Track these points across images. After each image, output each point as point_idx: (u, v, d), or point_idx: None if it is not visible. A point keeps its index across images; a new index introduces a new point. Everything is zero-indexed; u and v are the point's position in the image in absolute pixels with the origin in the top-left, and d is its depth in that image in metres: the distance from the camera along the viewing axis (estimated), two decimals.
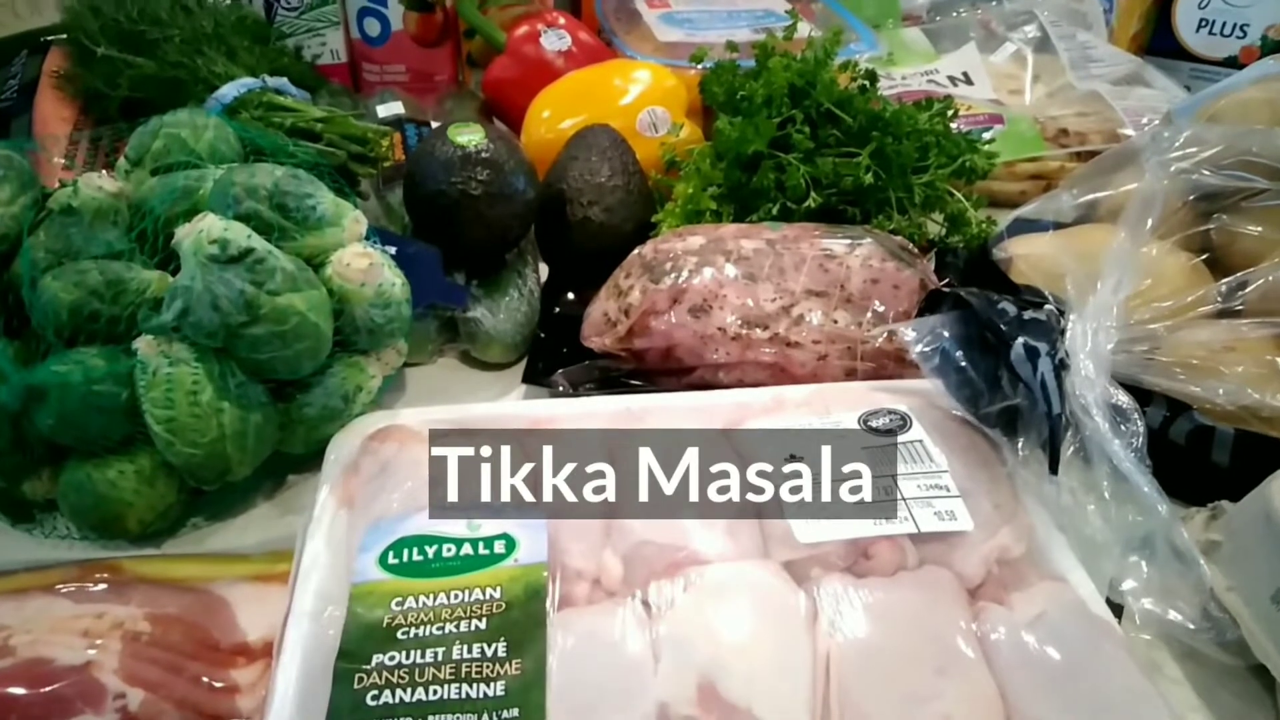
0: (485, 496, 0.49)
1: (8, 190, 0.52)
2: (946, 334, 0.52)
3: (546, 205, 0.71)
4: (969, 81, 1.00)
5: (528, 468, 0.51)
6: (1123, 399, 0.51)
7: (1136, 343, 0.55)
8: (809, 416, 0.54)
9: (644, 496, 0.49)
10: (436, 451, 0.52)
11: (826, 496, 0.48)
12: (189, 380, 0.49)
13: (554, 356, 0.66)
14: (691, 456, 0.52)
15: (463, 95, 0.96)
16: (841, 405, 0.55)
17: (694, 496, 0.49)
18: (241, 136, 0.63)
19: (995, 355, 0.51)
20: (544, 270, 0.75)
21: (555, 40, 0.90)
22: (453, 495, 0.49)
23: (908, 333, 0.52)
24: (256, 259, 0.49)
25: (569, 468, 0.51)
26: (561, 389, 0.62)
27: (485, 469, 0.51)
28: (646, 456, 0.52)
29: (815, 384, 0.59)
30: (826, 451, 0.51)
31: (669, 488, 0.50)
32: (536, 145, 0.82)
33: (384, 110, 0.87)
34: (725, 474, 0.50)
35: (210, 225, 0.50)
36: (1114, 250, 0.56)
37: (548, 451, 0.52)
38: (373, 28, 0.99)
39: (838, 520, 0.47)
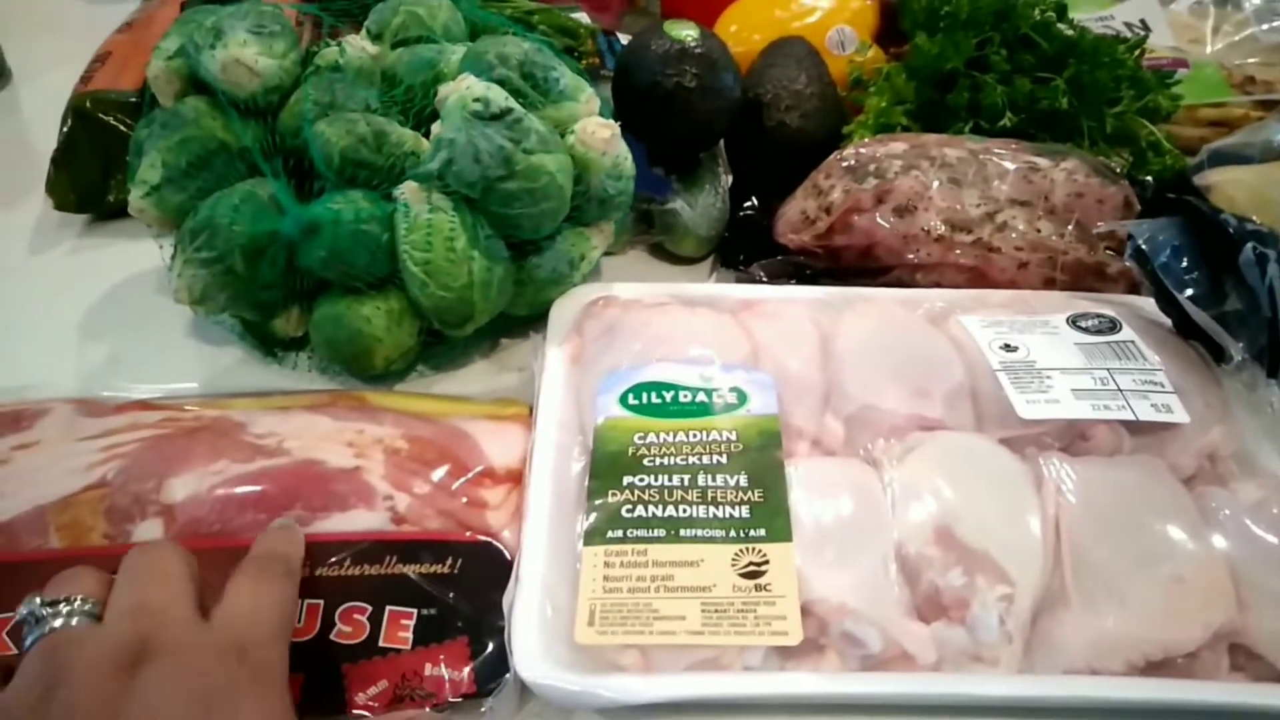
0: (713, 354, 0.52)
1: (281, 44, 0.56)
2: (1167, 236, 0.53)
3: (746, 107, 0.73)
4: (1146, 29, 0.99)
5: (746, 337, 0.54)
6: None
7: None
8: (1016, 314, 0.56)
9: (860, 370, 0.52)
10: (659, 316, 0.55)
11: (1044, 381, 0.50)
12: (447, 227, 0.52)
13: (744, 254, 0.69)
14: (905, 338, 0.54)
15: (640, 14, 0.99)
16: (1046, 308, 0.57)
17: (910, 373, 0.51)
18: (469, 18, 0.66)
19: (1215, 261, 0.52)
20: (729, 178, 0.77)
21: None
22: (680, 352, 0.52)
23: (1130, 232, 0.53)
24: (515, 118, 0.53)
25: (785, 341, 0.54)
26: (760, 279, 0.65)
27: (708, 333, 0.54)
28: (860, 334, 0.54)
29: (1017, 291, 0.60)
30: (1040, 342, 0.53)
31: (885, 364, 0.52)
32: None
33: (577, 18, 0.90)
34: (940, 356, 0.53)
35: (474, 84, 0.53)
36: None
37: (762, 326, 0.55)
38: None
39: (1058, 402, 0.49)
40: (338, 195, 0.53)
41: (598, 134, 0.56)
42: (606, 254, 0.71)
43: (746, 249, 0.69)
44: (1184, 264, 0.52)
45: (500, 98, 0.53)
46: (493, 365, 0.61)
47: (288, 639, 0.38)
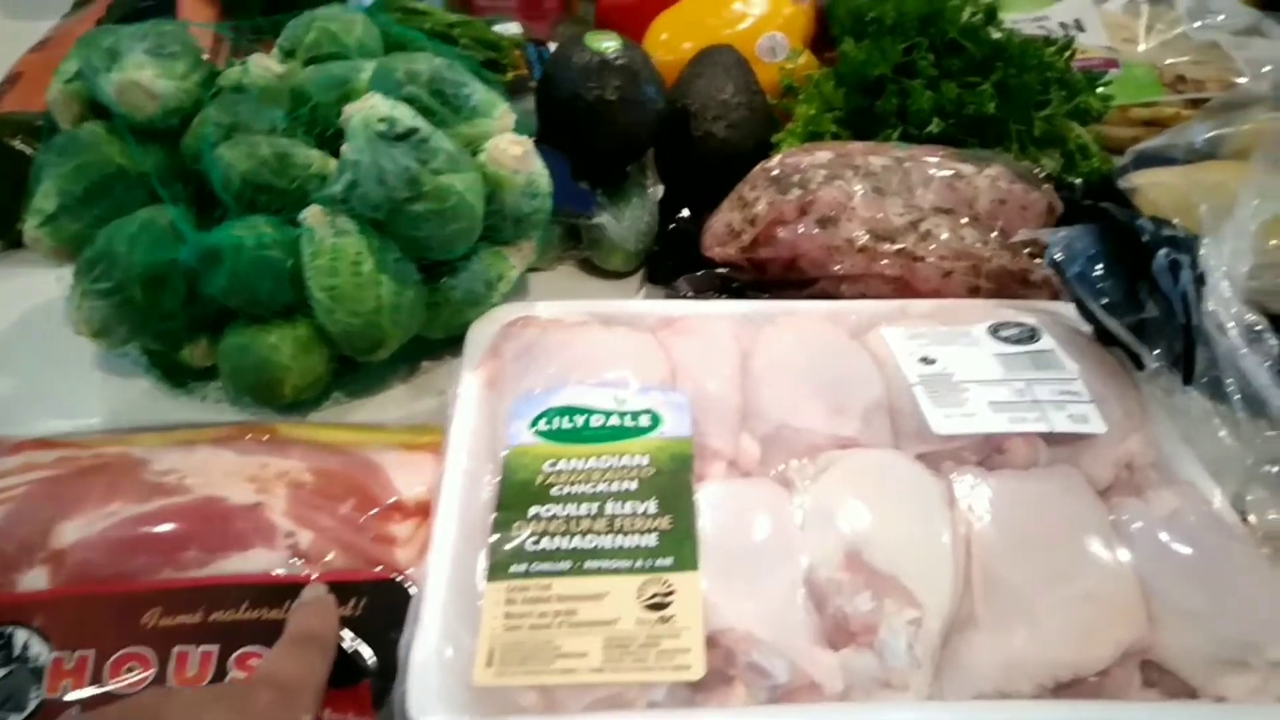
0: (629, 376, 0.51)
1: (181, 65, 0.55)
2: (1083, 244, 0.53)
3: (668, 121, 0.72)
4: (1080, 29, 0.99)
5: (664, 356, 0.53)
6: (1257, 319, 0.52)
7: (1270, 269, 0.55)
8: (937, 325, 0.56)
9: (778, 387, 0.51)
10: (576, 336, 0.54)
11: (960, 394, 0.50)
12: (353, 251, 0.51)
13: (672, 267, 0.68)
14: (824, 353, 0.53)
15: (574, 22, 0.97)
16: (968, 318, 0.56)
17: (827, 389, 0.51)
18: (386, 33, 0.65)
19: (1131, 268, 0.52)
20: (660, 188, 0.76)
21: None
22: (595, 374, 0.51)
23: (1048, 240, 0.53)
24: (421, 138, 0.51)
25: (703, 359, 0.53)
26: (685, 294, 0.64)
27: (625, 353, 0.53)
28: (779, 350, 0.54)
29: (940, 300, 0.60)
30: (960, 354, 0.52)
31: (803, 380, 0.51)
32: (665, 70, 0.83)
33: (501, 30, 0.89)
34: (858, 371, 0.52)
35: (379, 103, 0.52)
36: (1250, 178, 0.56)
37: (681, 343, 0.54)
38: None
39: (973, 416, 0.48)
40: (239, 221, 0.52)
41: (509, 151, 0.54)
42: (534, 270, 0.70)
43: (677, 261, 0.68)
44: (1099, 272, 0.52)
45: (406, 117, 0.52)
46: (412, 390, 0.59)
47: (319, 700, 0.38)
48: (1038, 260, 0.61)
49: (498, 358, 0.55)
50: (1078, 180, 0.75)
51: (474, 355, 0.55)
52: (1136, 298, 0.52)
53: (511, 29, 0.89)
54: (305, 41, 0.62)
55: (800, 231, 0.62)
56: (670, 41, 0.83)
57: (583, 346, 0.53)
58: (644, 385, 0.50)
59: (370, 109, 0.52)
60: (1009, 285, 0.61)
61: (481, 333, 0.57)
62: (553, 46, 0.86)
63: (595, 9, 0.96)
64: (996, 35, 0.74)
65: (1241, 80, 0.87)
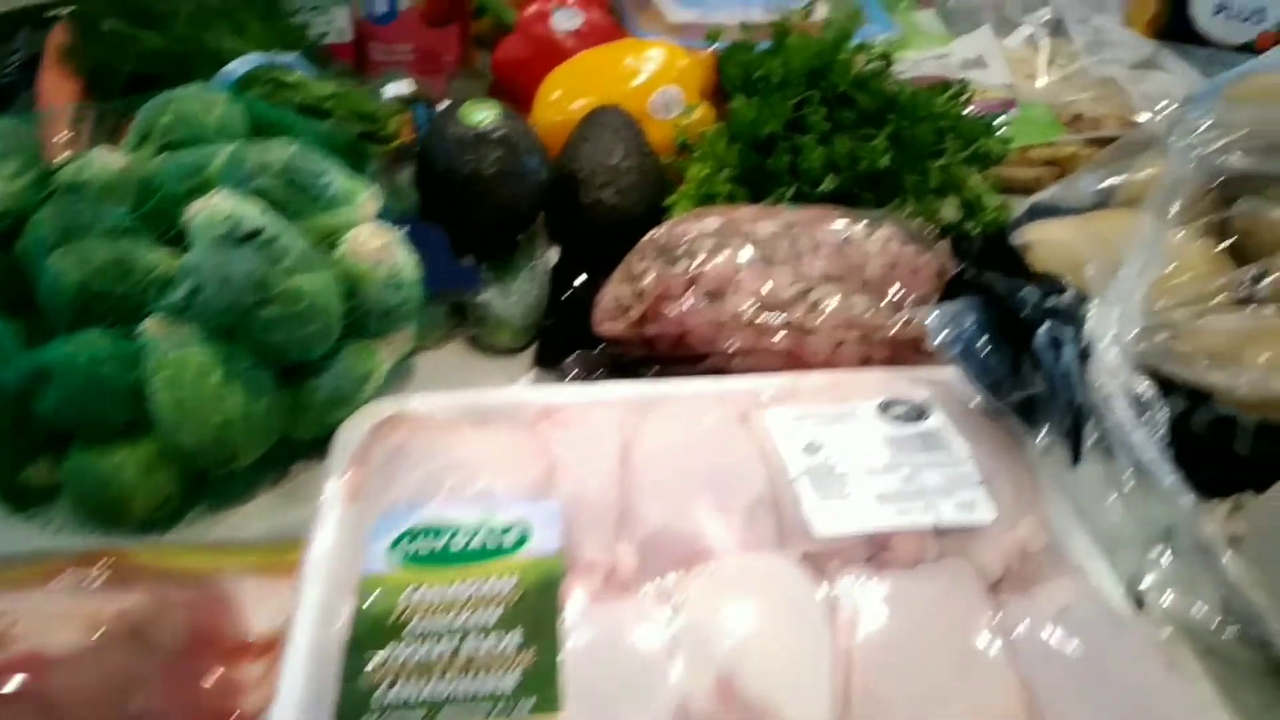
0: (498, 484, 0.48)
1: (11, 166, 0.51)
2: (967, 320, 0.51)
3: (557, 187, 0.70)
4: (983, 65, 0.99)
5: (541, 454, 0.50)
6: (1145, 389, 0.51)
7: (1158, 330, 0.55)
8: (825, 404, 0.54)
9: (659, 485, 0.49)
10: (448, 438, 0.51)
11: (845, 487, 0.48)
12: (197, 363, 0.48)
13: (564, 341, 0.65)
14: (707, 444, 0.51)
15: (470, 76, 0.95)
16: (858, 392, 0.54)
17: (710, 485, 0.48)
18: (251, 112, 0.62)
19: (1017, 342, 0.51)
20: (554, 254, 0.74)
21: (566, 19, 0.88)
22: (465, 483, 0.48)
23: (928, 319, 0.51)
24: (268, 238, 0.48)
25: (583, 454, 0.50)
26: (573, 375, 0.61)
27: (498, 455, 0.50)
28: (661, 442, 0.51)
29: (832, 371, 0.58)
30: (844, 440, 0.50)
31: (685, 476, 0.49)
32: (546, 127, 0.81)
33: (392, 90, 0.86)
34: (742, 463, 0.50)
35: (222, 202, 0.49)
36: (1137, 235, 0.55)
37: (560, 437, 0.51)
38: (380, 5, 0.97)
39: (857, 512, 0.46)
40: (72, 336, 0.48)
41: (368, 245, 0.52)
42: (420, 350, 0.67)
43: (570, 334, 0.65)
44: (984, 347, 0.50)
45: (253, 215, 0.49)
46: (281, 498, 0.56)
47: None
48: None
49: (364, 464, 0.52)
50: (976, 229, 0.75)
51: (340, 460, 0.52)
52: (1023, 372, 0.51)
53: (403, 88, 0.86)
54: (160, 125, 0.58)
55: (687, 307, 0.60)
56: (562, 100, 0.81)
57: (453, 450, 0.50)
58: (516, 493, 0.47)
59: (213, 208, 0.48)
60: (902, 353, 0.59)
61: (349, 434, 0.53)
62: (447, 104, 0.83)
63: (492, 66, 0.94)
64: (890, 86, 0.73)
65: (1140, 118, 0.88)
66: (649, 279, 0.61)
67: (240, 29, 0.72)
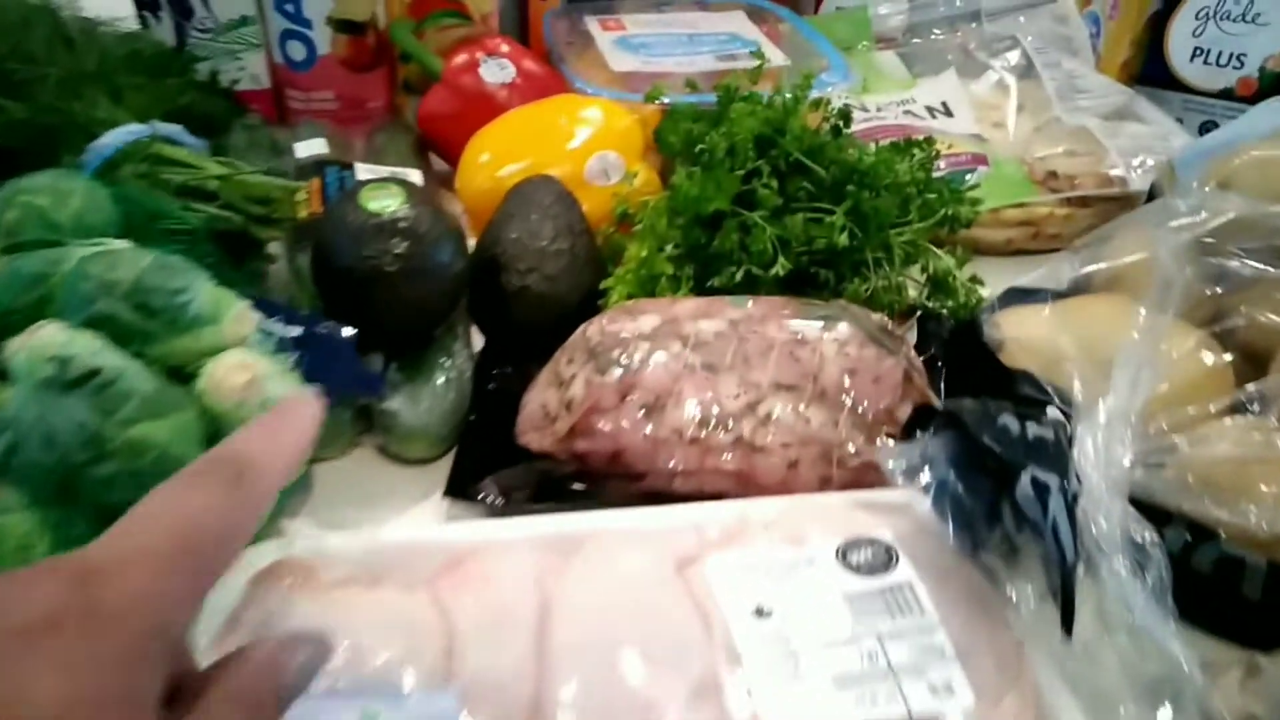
0: (387, 668, 0.40)
1: None
2: (937, 458, 0.45)
3: (480, 271, 0.62)
4: (948, 113, 0.93)
5: (441, 628, 0.43)
6: (1143, 533, 0.44)
7: (1155, 455, 0.48)
8: (780, 545, 0.46)
9: (581, 664, 0.41)
10: (334, 603, 0.43)
11: (799, 667, 0.40)
12: (19, 532, 0.40)
13: (485, 450, 0.57)
14: (641, 607, 0.44)
15: (396, 128, 0.87)
16: (817, 527, 0.47)
17: (643, 662, 0.41)
18: (120, 200, 0.54)
19: (996, 482, 0.44)
20: (478, 344, 0.66)
21: (497, 70, 0.81)
22: (347, 668, 0.40)
23: (889, 460, 0.44)
24: (104, 381, 0.40)
25: (492, 622, 0.43)
26: (491, 500, 0.53)
27: (390, 629, 0.42)
28: (585, 604, 0.44)
29: (786, 497, 0.51)
30: (799, 600, 0.43)
31: (612, 649, 0.41)
32: (474, 195, 0.74)
33: (303, 150, 0.78)
34: (681, 633, 0.42)
35: (48, 338, 0.41)
36: (1129, 346, 0.49)
37: (466, 604, 0.44)
38: (297, 51, 0.90)
39: (813, 700, 0.39)
40: None
41: (228, 381, 0.44)
42: (323, 460, 0.59)
43: (490, 447, 0.57)
44: (958, 497, 0.43)
45: (87, 353, 0.41)
46: None
47: (188, 572, 0.23)
48: (894, 440, 0.53)
49: (238, 629, 0.44)
50: (943, 306, 0.68)
51: (211, 626, 0.44)
52: (1004, 519, 0.44)
53: (316, 148, 0.78)
54: (4, 222, 0.50)
55: (623, 423, 0.53)
56: (491, 165, 0.74)
57: (337, 621, 0.42)
58: (405, 683, 0.40)
59: (36, 346, 0.40)
60: (865, 473, 0.52)
61: (223, 589, 0.45)
62: (361, 170, 0.75)
63: (418, 118, 0.86)
64: (848, 154, 0.66)
65: (1114, 172, 0.82)
66: (578, 386, 0.54)
67: (118, 95, 0.64)
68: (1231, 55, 0.88)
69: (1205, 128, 0.91)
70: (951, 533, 0.45)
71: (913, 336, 0.65)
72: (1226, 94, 0.90)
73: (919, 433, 0.46)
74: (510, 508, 0.53)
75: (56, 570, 0.21)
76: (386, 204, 0.54)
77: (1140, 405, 0.48)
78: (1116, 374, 0.49)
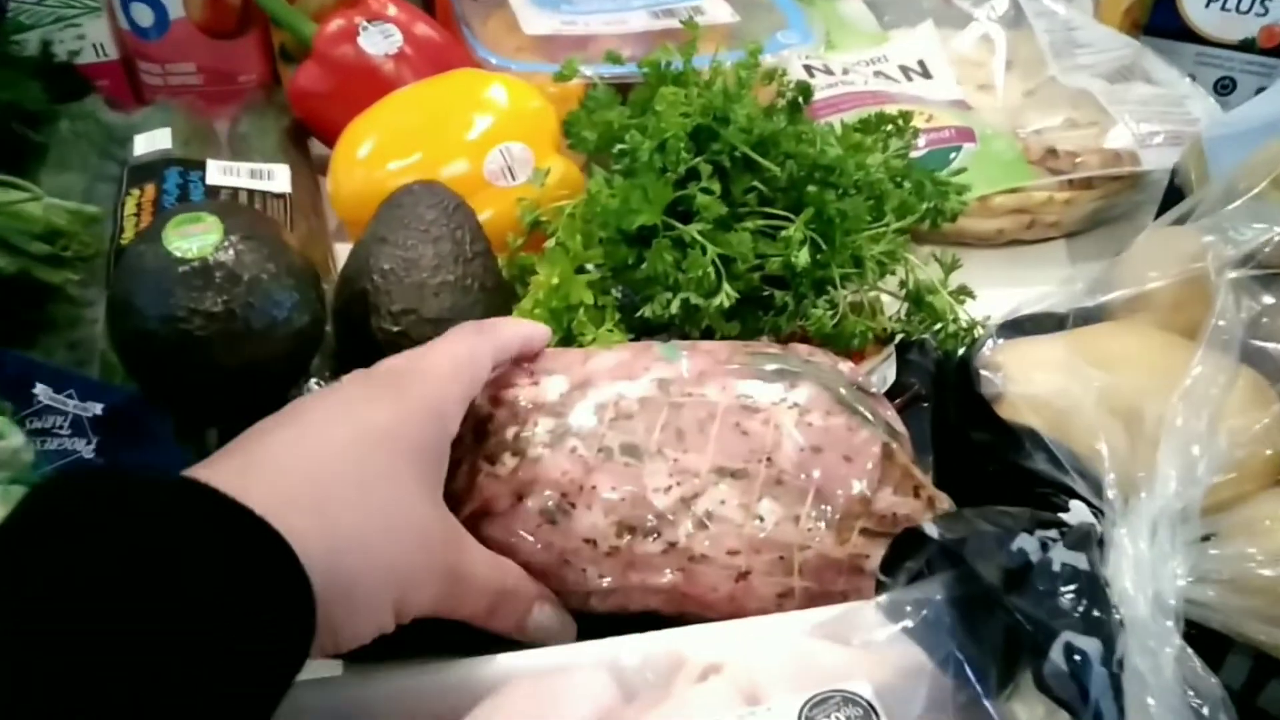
0: None
1: None
2: (933, 601, 0.33)
3: (345, 311, 0.49)
4: (926, 74, 0.79)
5: None
6: (1204, 687, 0.33)
7: (1211, 566, 0.36)
8: (726, 706, 0.35)
9: None
10: None
11: None
12: None
13: None
14: None
15: (266, 110, 0.72)
16: (774, 680, 0.35)
17: None
18: None
19: (1012, 641, 0.32)
20: None
21: (379, 39, 0.66)
22: None
23: (869, 614, 0.32)
24: None
25: None
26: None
27: None
28: None
29: (734, 623, 0.39)
30: None
31: None
32: (350, 200, 0.60)
33: (144, 144, 0.64)
34: None
35: None
36: (1177, 426, 0.37)
37: None
38: (144, 16, 0.74)
39: None
40: None
41: None
42: None
43: None
44: (965, 651, 0.32)
45: None
46: None
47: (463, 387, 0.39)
48: (873, 536, 0.41)
49: None
50: (924, 328, 0.56)
51: None
52: (1021, 664, 0.33)
53: (159, 142, 0.64)
54: None
55: (520, 530, 0.40)
56: (371, 160, 0.60)
57: None
58: None
59: None
60: (834, 581, 0.40)
61: None
62: (213, 168, 0.61)
63: (290, 97, 0.72)
64: (807, 146, 0.53)
65: (1122, 146, 0.69)
66: (461, 479, 0.41)
67: None
68: (1254, 1, 0.76)
69: (1222, 85, 0.79)
70: (952, 689, 0.33)
71: (891, 370, 0.53)
72: (1247, 45, 0.77)
73: (907, 561, 0.34)
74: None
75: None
76: (195, 242, 0.41)
77: (1198, 498, 0.36)
78: (1164, 451, 0.37)
